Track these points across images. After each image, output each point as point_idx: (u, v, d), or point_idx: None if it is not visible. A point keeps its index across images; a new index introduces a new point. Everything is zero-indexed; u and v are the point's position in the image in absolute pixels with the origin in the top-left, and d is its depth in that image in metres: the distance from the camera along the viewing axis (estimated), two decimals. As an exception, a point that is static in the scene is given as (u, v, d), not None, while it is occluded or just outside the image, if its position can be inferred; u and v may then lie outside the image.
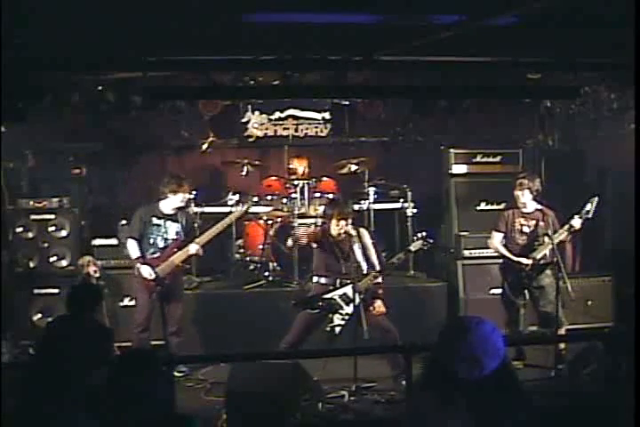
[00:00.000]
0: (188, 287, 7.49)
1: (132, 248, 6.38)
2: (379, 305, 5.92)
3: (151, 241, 6.39)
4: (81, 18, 4.96)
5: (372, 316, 5.82)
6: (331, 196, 7.63)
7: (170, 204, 6.39)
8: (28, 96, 5.93)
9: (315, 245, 6.03)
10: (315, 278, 6.06)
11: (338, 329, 5.82)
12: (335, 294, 5.85)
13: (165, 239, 6.39)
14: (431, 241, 6.08)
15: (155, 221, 6.39)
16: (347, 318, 5.81)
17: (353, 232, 5.88)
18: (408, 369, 4.59)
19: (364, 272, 5.86)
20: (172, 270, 6.37)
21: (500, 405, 2.33)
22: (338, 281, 5.90)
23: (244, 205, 6.91)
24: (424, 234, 6.06)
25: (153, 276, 6.25)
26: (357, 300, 5.74)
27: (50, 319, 6.15)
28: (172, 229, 6.41)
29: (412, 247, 6.05)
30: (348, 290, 5.81)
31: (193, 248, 6.36)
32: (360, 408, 5.50)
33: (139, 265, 6.30)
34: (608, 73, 6.95)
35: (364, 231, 6.14)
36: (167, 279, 6.33)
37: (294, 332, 5.92)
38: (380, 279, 5.96)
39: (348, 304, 5.81)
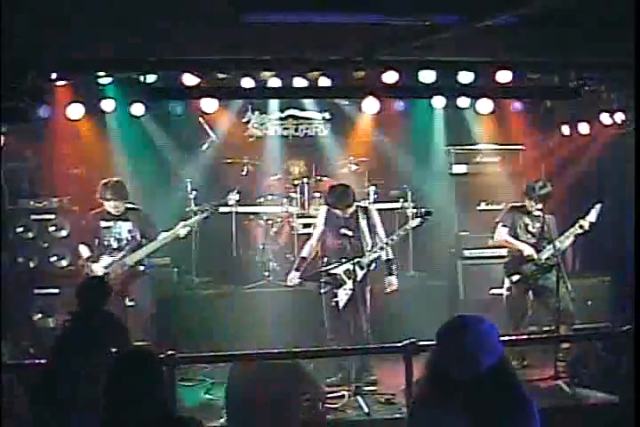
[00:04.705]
0: (188, 287, 7.52)
1: (83, 251, 6.37)
2: (390, 280, 6.09)
3: (105, 243, 6.33)
4: (81, 18, 4.98)
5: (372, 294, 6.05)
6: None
7: (112, 206, 6.30)
8: (28, 96, 5.92)
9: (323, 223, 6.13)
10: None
11: (342, 303, 6.02)
12: (340, 270, 6.01)
13: (119, 240, 6.33)
14: (429, 217, 6.15)
15: (104, 223, 6.32)
16: (349, 292, 5.98)
17: (361, 210, 6.08)
18: (408, 369, 4.60)
19: (368, 249, 6.01)
20: (124, 271, 6.26)
21: (499, 403, 2.33)
22: (342, 258, 6.01)
23: (203, 213, 6.60)
24: (423, 210, 6.20)
25: (103, 272, 6.17)
26: (360, 275, 5.92)
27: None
28: (124, 229, 6.34)
29: (412, 223, 6.17)
30: (352, 266, 5.93)
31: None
32: (360, 408, 5.49)
33: (89, 263, 6.26)
34: (608, 73, 6.94)
35: (372, 208, 6.28)
36: (120, 280, 6.21)
37: (331, 323, 6.10)
38: (390, 254, 6.08)
39: (349, 279, 5.97)
